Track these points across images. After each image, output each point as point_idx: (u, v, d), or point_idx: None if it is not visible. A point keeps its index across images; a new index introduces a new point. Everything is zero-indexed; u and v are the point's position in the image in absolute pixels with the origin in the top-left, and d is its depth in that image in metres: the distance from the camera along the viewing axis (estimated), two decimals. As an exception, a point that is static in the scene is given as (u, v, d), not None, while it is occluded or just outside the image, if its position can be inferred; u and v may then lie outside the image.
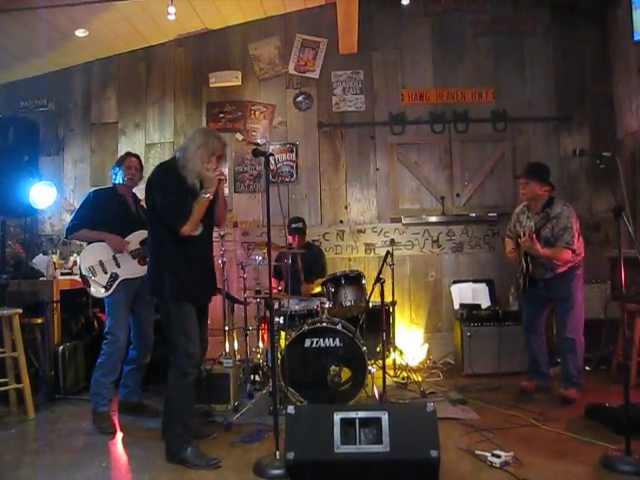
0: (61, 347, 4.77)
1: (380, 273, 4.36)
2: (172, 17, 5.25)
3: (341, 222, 6.12)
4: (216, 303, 5.78)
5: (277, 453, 2.97)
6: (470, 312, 5.28)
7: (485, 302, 5.51)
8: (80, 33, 5.67)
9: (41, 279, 5.02)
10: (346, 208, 6.14)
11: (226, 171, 6.17)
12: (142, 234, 4.04)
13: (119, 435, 3.78)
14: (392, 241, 5.83)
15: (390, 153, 6.10)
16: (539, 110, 6.03)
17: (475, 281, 5.74)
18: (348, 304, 4.53)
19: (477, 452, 3.14)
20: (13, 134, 4.32)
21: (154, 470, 3.11)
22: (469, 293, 5.60)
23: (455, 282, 5.77)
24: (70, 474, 3.01)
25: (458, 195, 6.01)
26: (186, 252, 3.27)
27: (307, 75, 6.19)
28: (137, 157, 4.32)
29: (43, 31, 5.47)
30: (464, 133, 6.06)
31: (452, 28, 6.11)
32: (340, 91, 6.14)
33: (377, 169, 6.12)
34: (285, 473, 2.74)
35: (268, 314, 4.26)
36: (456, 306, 5.56)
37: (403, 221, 6.01)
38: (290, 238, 5.29)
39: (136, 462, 3.24)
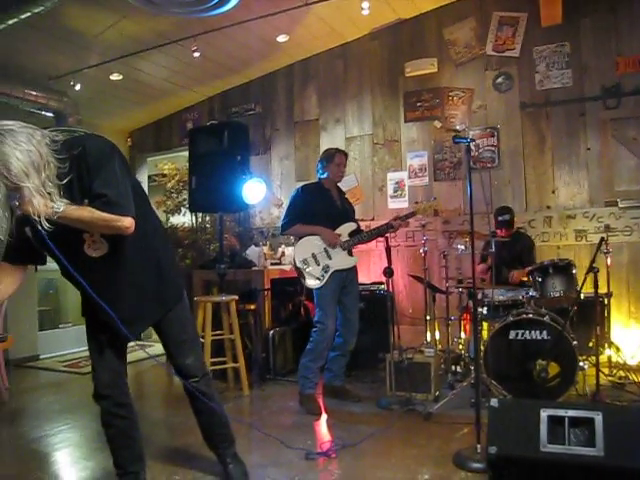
0: (272, 332, 5.15)
1: (593, 262, 4.00)
2: (366, 12, 5.35)
3: (548, 208, 5.70)
4: (418, 292, 5.85)
5: (478, 446, 2.90)
6: None
7: None
8: (281, 39, 6.06)
9: (254, 269, 5.48)
10: (553, 193, 5.70)
11: (424, 160, 6.17)
12: (351, 226, 4.32)
13: (323, 417, 3.97)
14: (607, 227, 5.28)
15: (603, 130, 5.52)
16: None
17: None
18: (557, 295, 4.20)
19: None
20: (227, 137, 4.75)
21: (356, 451, 3.24)
22: None
23: (686, 271, 5.05)
24: (280, 449, 3.21)
25: (689, 172, 5.24)
26: None
27: (506, 54, 5.86)
28: (346, 155, 4.53)
29: (250, 41, 5.97)
30: (696, 101, 5.26)
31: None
32: (543, 68, 5.72)
33: (588, 149, 5.58)
34: (486, 467, 2.63)
35: (471, 304, 4.15)
36: (688, 299, 4.87)
37: (620, 205, 5.40)
38: (497, 230, 5.06)
39: (340, 443, 3.34)
